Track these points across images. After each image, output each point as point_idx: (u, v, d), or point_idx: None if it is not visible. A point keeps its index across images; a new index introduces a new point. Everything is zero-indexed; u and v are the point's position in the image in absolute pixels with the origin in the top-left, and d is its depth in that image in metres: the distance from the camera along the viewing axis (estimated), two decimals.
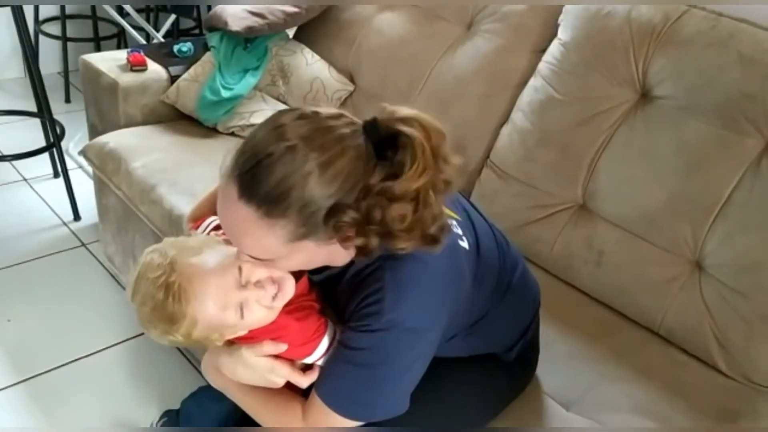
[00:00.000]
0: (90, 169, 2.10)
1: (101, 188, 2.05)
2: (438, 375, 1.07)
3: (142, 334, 1.92)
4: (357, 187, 0.81)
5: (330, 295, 1.02)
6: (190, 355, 1.88)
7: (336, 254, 0.90)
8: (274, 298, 0.92)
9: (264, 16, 2.07)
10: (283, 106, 2.13)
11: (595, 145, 1.55)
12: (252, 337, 0.97)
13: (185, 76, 2.08)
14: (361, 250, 0.87)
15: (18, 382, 1.76)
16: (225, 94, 2.02)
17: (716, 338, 1.39)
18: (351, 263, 0.94)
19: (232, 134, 2.08)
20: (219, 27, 2.10)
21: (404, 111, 0.84)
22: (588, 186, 1.56)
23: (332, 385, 0.96)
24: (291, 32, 2.28)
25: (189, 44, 2.18)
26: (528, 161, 1.65)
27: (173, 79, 2.09)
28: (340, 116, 0.85)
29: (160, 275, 0.90)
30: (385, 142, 0.83)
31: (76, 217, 2.44)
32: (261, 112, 2.09)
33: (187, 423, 1.33)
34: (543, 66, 1.68)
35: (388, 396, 0.95)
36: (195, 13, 3.36)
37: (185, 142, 2.00)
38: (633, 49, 1.52)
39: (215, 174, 1.83)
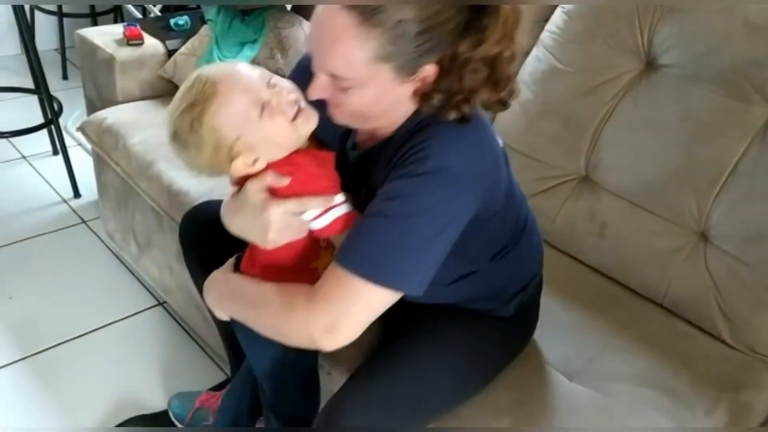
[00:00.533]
0: (89, 145, 2.08)
1: (100, 165, 2.03)
2: (433, 331, 1.09)
3: (144, 310, 1.94)
4: (447, 26, 0.87)
5: (363, 181, 1.01)
6: (192, 331, 1.88)
7: (399, 106, 0.95)
8: (295, 118, 0.95)
9: None
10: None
11: (598, 115, 1.52)
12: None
13: (182, 50, 2.05)
14: (425, 99, 0.92)
15: (21, 359, 1.76)
16: None
17: (721, 309, 1.38)
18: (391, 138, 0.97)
19: None
20: (216, 5, 2.07)
21: None
22: (591, 157, 1.54)
23: (354, 246, 0.92)
24: (289, 5, 2.24)
25: (186, 18, 2.15)
26: (530, 133, 1.62)
27: (170, 53, 2.06)
28: None
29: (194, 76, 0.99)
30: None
31: (76, 194, 2.43)
32: None
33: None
34: (546, 36, 1.65)
35: (411, 262, 0.91)
36: None
37: None
38: (638, 17, 1.49)
39: None
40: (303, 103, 0.97)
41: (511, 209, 1.11)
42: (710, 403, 1.24)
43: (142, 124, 1.88)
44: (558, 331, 1.35)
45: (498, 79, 0.93)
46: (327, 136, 1.05)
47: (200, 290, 1.21)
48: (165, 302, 1.97)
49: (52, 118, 2.40)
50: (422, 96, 0.93)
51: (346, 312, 0.92)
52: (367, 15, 0.84)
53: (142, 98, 2.04)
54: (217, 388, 1.59)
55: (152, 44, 2.05)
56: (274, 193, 0.98)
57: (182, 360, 1.80)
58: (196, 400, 1.53)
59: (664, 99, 1.45)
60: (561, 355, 1.31)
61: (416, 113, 0.97)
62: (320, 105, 0.97)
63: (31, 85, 2.45)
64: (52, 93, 2.41)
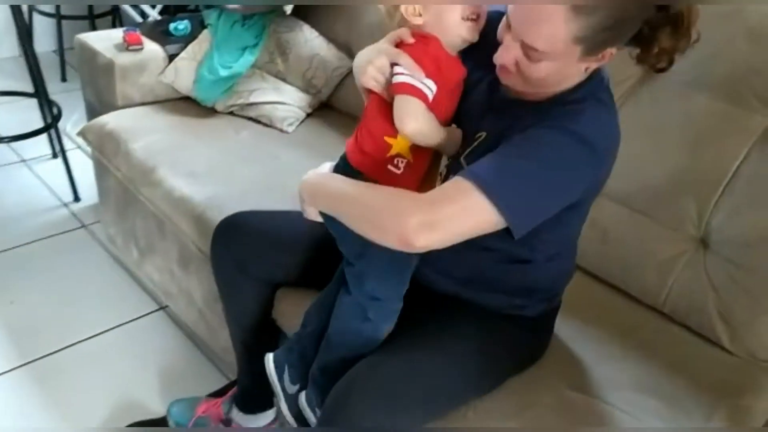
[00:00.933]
0: (88, 148, 2.08)
1: (101, 170, 2.03)
2: (452, 328, 1.12)
3: (145, 315, 1.94)
4: (635, 23, 0.96)
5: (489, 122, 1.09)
6: (194, 335, 1.88)
7: (572, 78, 1.03)
8: (467, 19, 1.07)
9: None
10: (283, 84, 2.11)
11: None
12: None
13: (182, 55, 2.06)
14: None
15: (23, 365, 1.76)
16: (223, 72, 2.00)
17: (720, 315, 1.38)
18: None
19: (231, 113, 2.06)
20: (216, 4, 2.07)
21: None
22: None
23: (484, 163, 0.98)
24: (289, 9, 2.24)
25: (186, 22, 2.15)
26: None
27: (170, 58, 2.06)
28: None
29: None
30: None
31: (76, 198, 2.43)
32: (260, 90, 2.06)
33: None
34: None
35: (529, 201, 0.98)
36: None
37: (184, 122, 1.98)
38: None
39: (215, 154, 1.82)
40: (480, 21, 1.08)
41: (587, 210, 1.17)
42: (708, 408, 1.24)
43: (143, 130, 1.89)
44: (558, 338, 1.36)
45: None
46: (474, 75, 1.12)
47: (224, 295, 1.34)
48: (166, 306, 1.97)
49: (51, 122, 2.40)
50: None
51: (451, 215, 0.95)
52: (578, 6, 0.91)
53: (143, 103, 2.04)
54: (217, 394, 1.60)
55: (152, 49, 2.05)
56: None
57: (183, 365, 1.80)
58: (196, 407, 1.53)
59: (665, 104, 1.46)
60: (562, 363, 1.32)
61: (578, 86, 1.04)
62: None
63: (29, 88, 2.44)
64: (51, 96, 2.40)
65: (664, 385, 1.29)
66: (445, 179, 1.16)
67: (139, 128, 1.90)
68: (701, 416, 1.22)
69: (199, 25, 2.15)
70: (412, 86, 1.05)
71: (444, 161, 1.19)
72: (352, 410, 1.03)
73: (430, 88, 1.06)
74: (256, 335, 1.41)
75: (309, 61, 2.11)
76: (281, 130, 2.02)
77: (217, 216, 1.58)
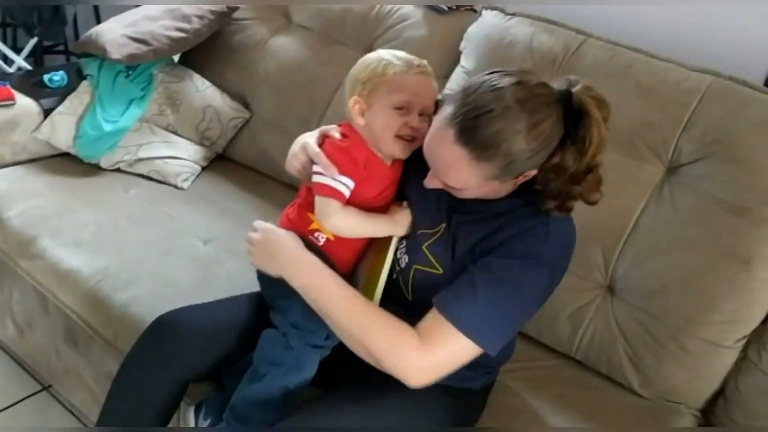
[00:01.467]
0: None
1: None
2: (395, 390, 1.06)
3: (28, 396, 1.75)
4: (551, 146, 0.99)
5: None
6: (83, 416, 1.71)
7: (502, 191, 1.07)
8: (399, 137, 1.12)
9: (147, 42, 1.92)
10: (174, 137, 1.99)
11: None
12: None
13: (60, 109, 1.90)
14: (539, 193, 1.04)
15: None
16: (107, 127, 1.87)
17: (630, 359, 1.42)
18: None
19: (119, 170, 1.92)
20: (96, 54, 1.93)
21: (597, 92, 1.01)
22: None
23: (473, 308, 1.02)
24: (177, 57, 2.14)
25: (61, 73, 1.99)
26: None
27: (46, 112, 1.90)
28: (545, 85, 0.99)
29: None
30: (568, 113, 0.99)
31: None
32: (150, 144, 1.94)
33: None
34: (447, 93, 1.67)
35: (506, 331, 1.06)
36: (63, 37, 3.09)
37: (65, 182, 1.82)
38: None
39: (104, 218, 1.65)
40: (416, 143, 1.12)
41: None
42: None
43: (18, 194, 1.71)
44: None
45: (594, 181, 1.04)
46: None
47: (130, 390, 1.22)
48: (50, 386, 1.79)
49: None
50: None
51: (443, 359, 1.03)
52: (480, 152, 0.96)
53: (15, 163, 1.86)
54: None
55: (25, 104, 1.89)
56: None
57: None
58: None
59: None
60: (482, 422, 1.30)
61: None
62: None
63: None
64: None
65: None
66: (410, 261, 1.16)
67: (13, 192, 1.72)
68: None
69: (76, 76, 2.00)
70: (327, 186, 1.11)
71: (395, 242, 1.17)
72: None
73: (346, 185, 1.12)
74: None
75: (202, 112, 2.01)
76: (175, 186, 1.91)
77: (111, 290, 1.46)
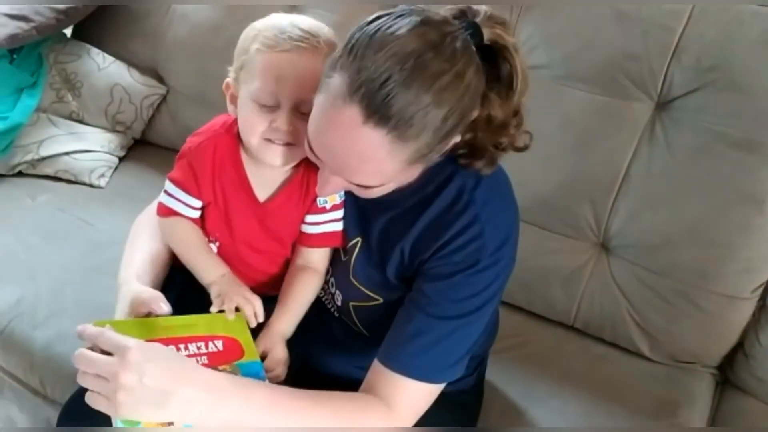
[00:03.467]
0: None
1: None
2: None
3: None
4: (478, 98, 0.79)
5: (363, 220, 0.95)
6: None
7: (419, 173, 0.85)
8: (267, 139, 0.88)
9: (28, 18, 1.61)
10: (81, 127, 1.71)
11: None
12: None
13: None
14: (463, 156, 0.86)
15: None
16: None
17: (636, 322, 1.30)
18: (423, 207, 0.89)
19: (20, 174, 1.64)
20: None
21: (496, 13, 0.81)
22: None
23: (417, 352, 0.87)
24: (68, 31, 1.83)
25: None
26: None
27: None
28: (448, 21, 0.78)
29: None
30: (483, 50, 0.78)
31: None
32: (52, 139, 1.66)
33: None
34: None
35: (466, 353, 0.90)
36: None
37: None
38: None
39: (8, 236, 1.44)
40: (294, 147, 0.88)
41: None
42: None
43: None
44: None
45: (519, 123, 0.85)
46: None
47: None
48: None
49: None
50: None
51: (419, 408, 0.91)
52: (400, 131, 0.73)
53: None
54: None
55: None
56: None
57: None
58: None
59: (538, 105, 1.26)
60: (488, 422, 1.15)
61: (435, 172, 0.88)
62: None
63: None
64: None
65: (601, 420, 1.18)
66: (343, 298, 1.00)
67: None
68: None
69: None
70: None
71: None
72: None
73: (168, 194, 0.96)
74: None
75: (109, 93, 1.72)
76: (91, 185, 1.64)
77: (28, 328, 1.23)
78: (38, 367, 1.19)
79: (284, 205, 0.95)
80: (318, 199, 0.94)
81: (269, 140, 0.86)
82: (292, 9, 1.60)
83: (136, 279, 0.94)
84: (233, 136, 0.93)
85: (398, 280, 0.92)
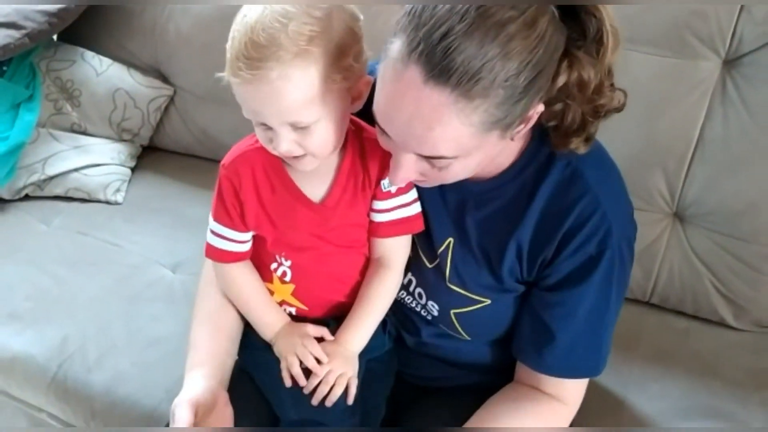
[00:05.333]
0: None
1: None
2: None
3: None
4: (558, 52, 0.71)
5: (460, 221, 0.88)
6: None
7: (507, 148, 0.81)
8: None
9: (18, 24, 1.46)
10: (85, 139, 1.59)
11: None
12: None
13: None
14: (556, 131, 0.80)
15: None
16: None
17: (719, 291, 1.25)
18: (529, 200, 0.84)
19: (26, 197, 1.51)
20: None
21: None
22: None
23: (583, 353, 0.89)
24: (56, 36, 1.67)
25: None
26: None
27: None
28: None
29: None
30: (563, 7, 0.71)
31: None
32: (57, 155, 1.53)
33: None
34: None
35: (610, 340, 0.91)
36: None
37: None
38: None
39: (31, 270, 1.37)
40: (301, 163, 0.81)
41: None
42: (760, 407, 1.11)
43: None
44: None
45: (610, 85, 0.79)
46: None
47: None
48: None
49: None
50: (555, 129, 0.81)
51: (580, 401, 0.94)
52: (465, 87, 0.66)
53: None
54: None
55: None
56: None
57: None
58: None
59: None
60: (588, 415, 1.06)
61: (533, 134, 0.83)
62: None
63: None
64: None
65: (704, 398, 1.14)
66: (441, 308, 0.94)
67: None
68: (761, 421, 1.09)
69: None
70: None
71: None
72: None
73: (214, 232, 0.90)
74: None
75: (111, 99, 1.59)
76: (107, 202, 1.52)
77: (82, 372, 1.12)
78: (101, 413, 1.09)
79: (342, 198, 0.86)
80: (382, 183, 0.86)
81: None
82: None
83: (200, 367, 0.87)
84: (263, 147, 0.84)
85: (512, 279, 0.86)
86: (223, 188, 0.86)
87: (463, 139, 0.70)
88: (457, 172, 0.76)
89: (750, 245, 1.20)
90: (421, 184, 0.84)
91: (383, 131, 0.74)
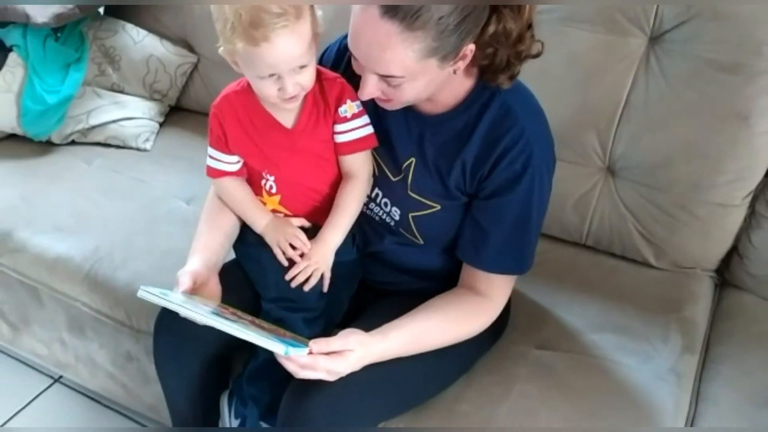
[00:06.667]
0: None
1: None
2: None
3: (42, 392, 1.69)
4: (483, 5, 0.91)
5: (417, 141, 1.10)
6: (103, 398, 1.67)
7: (450, 82, 1.02)
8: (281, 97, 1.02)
9: None
10: (122, 97, 1.86)
11: None
12: None
13: None
14: (487, 70, 1.01)
15: None
16: (51, 99, 1.72)
17: (642, 235, 1.45)
18: (474, 124, 1.05)
19: (73, 143, 1.80)
20: (16, 21, 1.75)
21: None
22: None
23: (509, 251, 1.09)
24: (101, 9, 1.96)
25: None
26: None
27: None
28: None
29: None
30: None
31: None
32: (99, 109, 1.81)
33: None
34: None
35: (536, 241, 1.13)
36: None
37: (21, 166, 1.69)
38: None
39: (75, 197, 1.56)
40: (294, 100, 1.04)
41: None
42: (662, 329, 1.31)
43: None
44: None
45: (531, 36, 0.99)
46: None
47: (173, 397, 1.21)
48: (61, 377, 1.73)
49: None
50: (482, 68, 1.02)
51: (507, 297, 1.16)
52: (409, 21, 0.88)
53: None
54: None
55: None
56: None
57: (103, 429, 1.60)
58: None
59: (548, 47, 1.44)
60: (518, 326, 1.31)
61: (478, 79, 1.05)
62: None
63: None
64: None
65: (616, 318, 1.33)
66: (402, 212, 1.16)
67: None
68: (660, 339, 1.28)
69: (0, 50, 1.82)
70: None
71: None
72: (312, 410, 1.00)
73: (210, 156, 1.15)
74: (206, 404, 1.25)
75: (145, 64, 1.87)
76: (138, 149, 1.80)
77: (109, 270, 1.39)
78: (122, 301, 1.36)
79: (308, 123, 1.09)
80: (339, 109, 1.08)
81: (277, 99, 1.02)
82: None
83: (200, 253, 1.12)
84: (245, 89, 1.09)
85: (458, 191, 1.09)
86: (212, 122, 1.12)
87: (407, 61, 0.92)
88: (409, 92, 0.98)
89: (666, 194, 1.40)
90: (383, 105, 1.04)
91: (354, 56, 0.97)
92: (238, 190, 1.16)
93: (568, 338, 1.29)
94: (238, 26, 0.94)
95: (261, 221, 1.14)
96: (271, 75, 0.98)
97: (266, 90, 1.01)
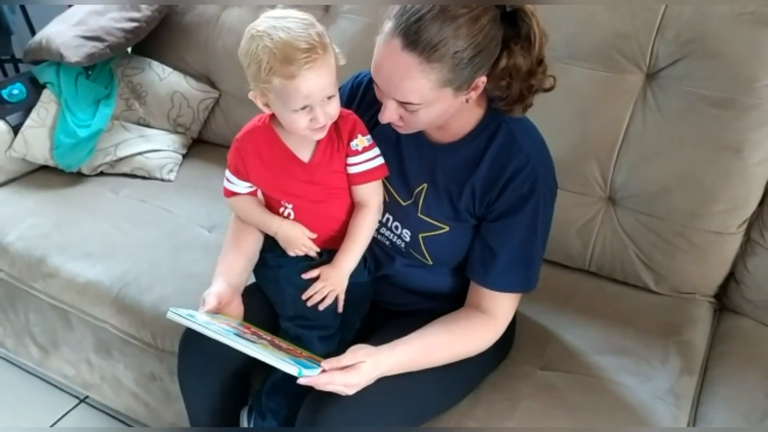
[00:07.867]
0: None
1: None
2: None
3: (68, 412, 1.76)
4: (495, 42, 1.02)
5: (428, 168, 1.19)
6: (128, 418, 1.74)
7: (463, 111, 1.11)
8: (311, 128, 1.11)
9: (101, 38, 1.86)
10: (148, 130, 1.96)
11: None
12: None
13: (29, 123, 1.85)
14: (502, 100, 1.10)
15: None
16: (82, 133, 1.83)
17: (642, 261, 1.51)
18: (484, 150, 1.14)
19: (101, 174, 1.90)
20: (51, 59, 1.87)
21: None
22: None
23: (515, 270, 1.16)
24: (130, 48, 2.08)
25: (19, 85, 1.92)
26: None
27: (15, 129, 1.85)
28: None
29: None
30: (506, 16, 1.03)
31: None
32: (126, 142, 1.91)
33: None
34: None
35: (540, 261, 1.20)
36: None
37: (53, 196, 1.79)
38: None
39: (103, 224, 1.61)
40: (325, 128, 1.13)
41: None
42: (662, 351, 1.36)
43: (11, 217, 1.68)
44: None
45: (543, 70, 1.09)
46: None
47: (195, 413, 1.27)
48: (87, 397, 1.81)
49: None
50: (487, 99, 1.14)
51: (511, 315, 1.22)
52: (427, 54, 0.98)
53: None
54: None
55: None
56: None
57: None
58: None
59: None
60: (523, 348, 1.37)
61: (487, 110, 1.15)
62: None
63: None
64: None
65: (617, 341, 1.38)
66: (413, 233, 1.22)
67: (5, 216, 1.69)
68: (659, 361, 1.33)
69: (32, 86, 1.93)
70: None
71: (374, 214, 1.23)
72: (326, 422, 1.06)
73: (227, 179, 1.25)
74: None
75: (170, 99, 1.98)
76: (162, 180, 1.89)
77: (137, 294, 1.47)
78: (148, 323, 1.44)
79: (323, 157, 1.17)
80: (351, 143, 1.17)
81: (308, 128, 1.10)
82: (326, 12, 1.85)
83: (224, 275, 1.21)
84: (266, 125, 1.18)
85: (467, 213, 1.17)
86: (233, 153, 1.22)
87: (425, 90, 1.01)
88: (425, 117, 1.07)
89: (664, 223, 1.46)
90: (399, 129, 1.13)
91: (376, 84, 1.06)
92: (251, 203, 1.25)
93: (571, 359, 1.35)
94: (274, 65, 1.03)
95: (274, 222, 1.22)
96: (304, 108, 1.07)
97: (299, 123, 1.09)
